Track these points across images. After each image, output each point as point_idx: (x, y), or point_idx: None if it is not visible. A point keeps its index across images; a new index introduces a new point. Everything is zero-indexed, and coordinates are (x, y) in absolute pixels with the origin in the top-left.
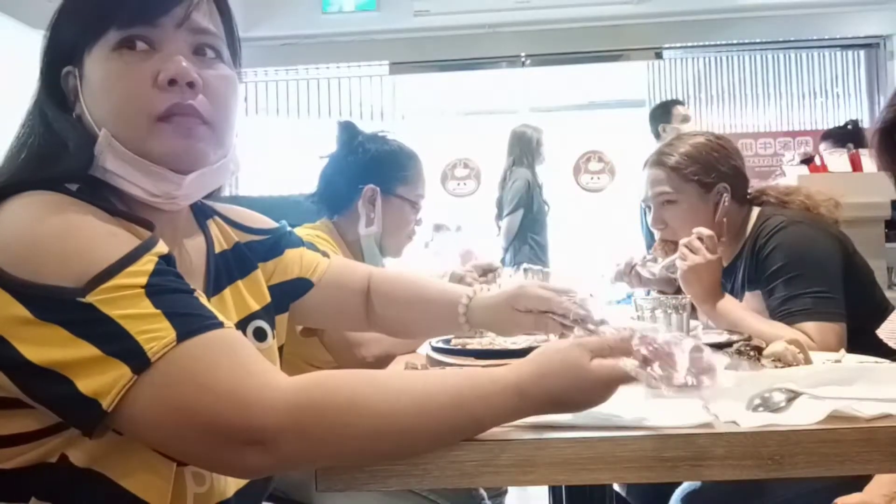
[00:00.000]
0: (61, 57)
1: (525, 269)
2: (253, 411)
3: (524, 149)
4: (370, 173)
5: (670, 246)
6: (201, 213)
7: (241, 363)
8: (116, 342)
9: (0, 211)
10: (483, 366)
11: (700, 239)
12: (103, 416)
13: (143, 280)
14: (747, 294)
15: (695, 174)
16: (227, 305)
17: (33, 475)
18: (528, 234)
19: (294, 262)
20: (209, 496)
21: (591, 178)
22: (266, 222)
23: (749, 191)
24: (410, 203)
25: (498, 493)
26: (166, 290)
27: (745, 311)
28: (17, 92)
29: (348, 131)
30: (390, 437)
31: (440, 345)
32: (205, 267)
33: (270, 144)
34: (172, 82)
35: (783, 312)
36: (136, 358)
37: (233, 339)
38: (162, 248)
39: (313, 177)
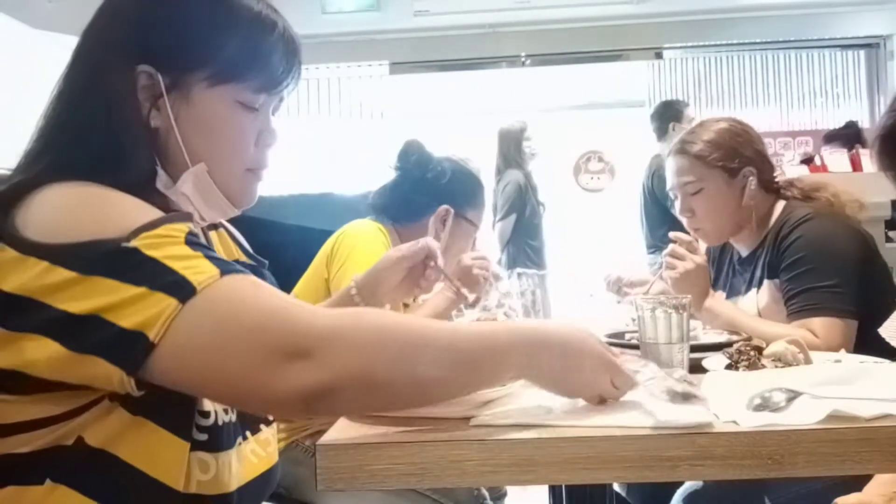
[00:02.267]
0: (139, 49)
1: (519, 274)
2: (300, 326)
3: (511, 148)
4: (446, 193)
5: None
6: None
7: (283, 296)
8: (161, 278)
9: (36, 195)
10: None
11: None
12: (150, 349)
13: (183, 234)
14: (766, 283)
15: (719, 160)
16: None
17: (49, 457)
18: (522, 238)
19: None
20: (213, 485)
21: (592, 178)
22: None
23: (777, 180)
24: (475, 227)
25: (499, 494)
26: (203, 246)
27: (740, 311)
28: (17, 92)
29: (419, 150)
30: (427, 350)
31: None
32: None
33: None
34: (268, 147)
35: (792, 307)
36: (183, 289)
37: (271, 283)
38: (195, 228)
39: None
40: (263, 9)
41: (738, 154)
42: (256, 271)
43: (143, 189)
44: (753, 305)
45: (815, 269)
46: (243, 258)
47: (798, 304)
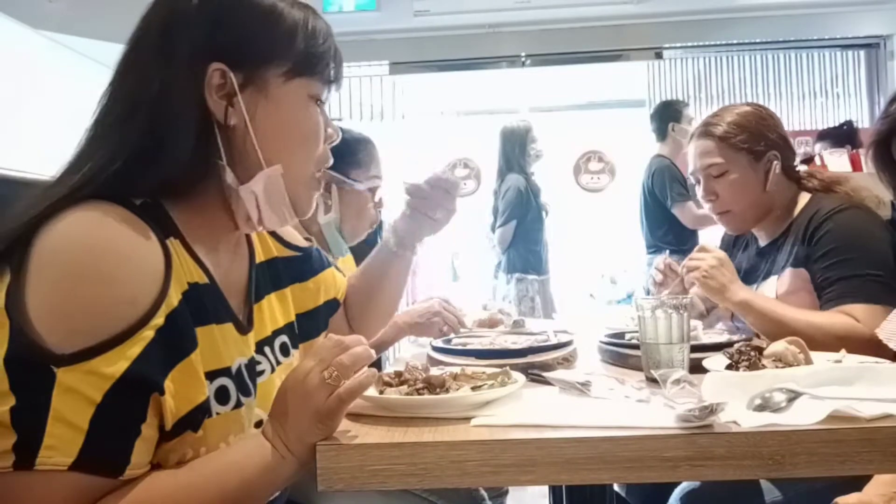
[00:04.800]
0: (211, 48)
1: (518, 280)
2: None
3: (514, 150)
4: None
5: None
6: None
7: None
8: (28, 428)
9: (59, 221)
10: (483, 366)
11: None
12: None
13: (121, 369)
14: (789, 270)
15: (744, 142)
16: (265, 316)
17: None
18: (522, 243)
19: (329, 285)
20: None
21: (592, 178)
22: (298, 238)
23: (797, 168)
24: (366, 188)
25: (499, 494)
26: (127, 396)
27: (779, 302)
28: (17, 92)
29: None
30: None
31: (440, 345)
32: (247, 276)
33: None
34: (331, 142)
35: (830, 294)
36: (23, 457)
37: (319, 266)
38: (172, 300)
39: None
40: (309, 8)
41: (763, 137)
42: (297, 263)
43: (200, 188)
44: (772, 292)
45: (854, 259)
46: (282, 254)
47: (837, 290)
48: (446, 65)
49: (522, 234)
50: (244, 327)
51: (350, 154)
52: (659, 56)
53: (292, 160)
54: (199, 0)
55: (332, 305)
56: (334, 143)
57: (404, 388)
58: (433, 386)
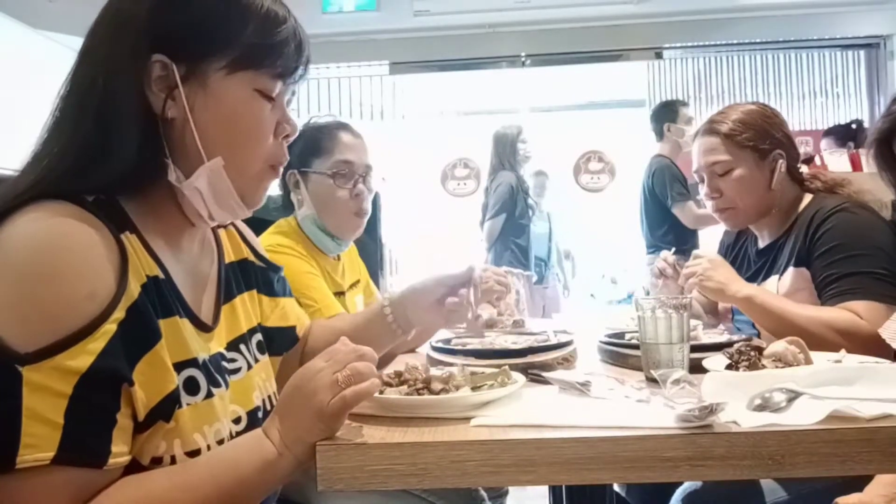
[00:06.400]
0: (153, 39)
1: (506, 273)
2: None
3: (505, 150)
4: (292, 158)
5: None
6: None
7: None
8: (5, 425)
9: (12, 222)
10: (483, 366)
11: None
12: None
13: (86, 363)
14: (791, 270)
15: (750, 140)
16: (238, 313)
17: None
18: (509, 237)
19: (296, 313)
20: None
21: (592, 178)
22: (265, 252)
23: (799, 169)
24: (329, 173)
25: (498, 494)
26: (97, 388)
27: (782, 297)
28: (16, 92)
29: None
30: None
31: (440, 345)
32: (217, 274)
33: None
34: (286, 138)
35: (831, 291)
36: (6, 458)
37: (282, 288)
38: (132, 293)
39: None
40: None
41: (768, 136)
42: (266, 275)
43: (152, 184)
44: (773, 291)
45: (856, 256)
46: (252, 259)
47: (838, 287)
48: (446, 65)
49: (510, 230)
50: (205, 325)
51: (312, 144)
52: (659, 56)
53: (235, 154)
54: None
55: (290, 334)
56: (290, 139)
57: (404, 388)
58: (433, 386)
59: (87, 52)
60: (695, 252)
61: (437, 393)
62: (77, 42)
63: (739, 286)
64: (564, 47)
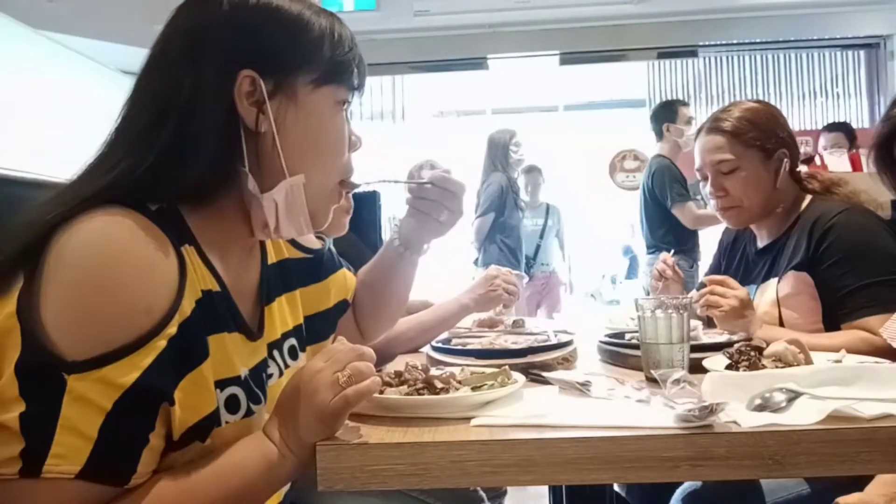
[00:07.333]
0: (240, 54)
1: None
2: None
3: (497, 154)
4: None
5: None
6: None
7: None
8: (36, 433)
9: (76, 226)
10: (483, 366)
11: (716, 284)
12: None
13: (132, 378)
14: (792, 273)
15: (756, 139)
16: (275, 318)
17: None
18: (497, 236)
19: (339, 287)
20: None
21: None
22: (311, 240)
23: (798, 169)
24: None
25: (497, 495)
26: (136, 405)
27: (795, 333)
28: (17, 92)
29: None
30: None
31: (440, 345)
32: (258, 277)
33: None
34: (353, 150)
35: (848, 308)
36: (29, 465)
37: (331, 266)
38: (185, 309)
39: None
40: (333, 15)
41: (773, 134)
42: (309, 263)
43: (216, 194)
44: (772, 294)
45: (866, 265)
46: (293, 255)
47: (851, 304)
48: (446, 65)
49: (498, 229)
50: (254, 334)
51: None
52: (659, 56)
53: (316, 169)
54: (229, 7)
55: (341, 307)
56: (357, 150)
57: (404, 388)
58: (433, 386)
59: (162, 68)
60: (725, 278)
61: (438, 393)
62: (77, 42)
63: (755, 329)
64: (564, 47)
